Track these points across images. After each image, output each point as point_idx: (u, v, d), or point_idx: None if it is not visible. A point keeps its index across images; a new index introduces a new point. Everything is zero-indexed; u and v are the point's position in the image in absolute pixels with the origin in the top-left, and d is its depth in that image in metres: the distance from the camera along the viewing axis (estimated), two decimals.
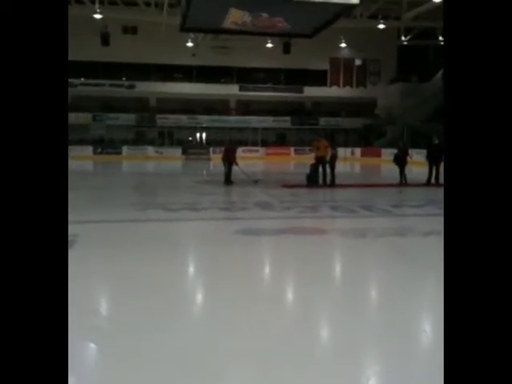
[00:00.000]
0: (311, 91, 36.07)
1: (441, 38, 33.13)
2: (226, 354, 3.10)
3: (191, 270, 5.60)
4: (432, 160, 13.91)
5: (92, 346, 3.19)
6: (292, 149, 33.58)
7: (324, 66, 35.44)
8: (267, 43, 32.33)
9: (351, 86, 36.46)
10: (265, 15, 10.67)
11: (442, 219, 6.69)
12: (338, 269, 5.66)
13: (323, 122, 35.93)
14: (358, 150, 31.96)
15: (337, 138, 32.03)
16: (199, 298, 4.52)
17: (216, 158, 15.20)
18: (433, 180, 13.80)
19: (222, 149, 15.40)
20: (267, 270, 5.57)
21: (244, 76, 36.07)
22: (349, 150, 31.16)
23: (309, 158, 14.01)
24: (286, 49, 30.45)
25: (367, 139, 34.27)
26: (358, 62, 36.48)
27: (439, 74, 34.81)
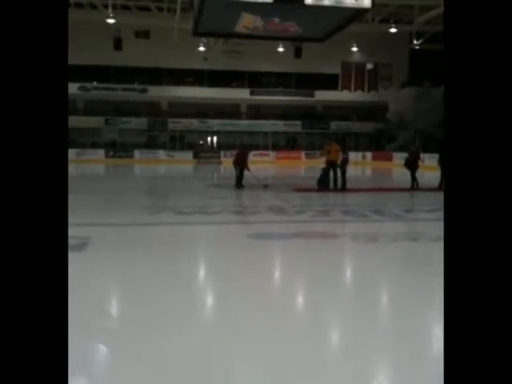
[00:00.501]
0: (322, 95, 36.03)
1: None
2: (236, 357, 3.11)
3: (203, 273, 5.60)
4: (444, 164, 13.76)
5: (101, 346, 3.21)
6: (303, 153, 33.54)
7: (335, 70, 35.37)
8: (278, 47, 32.37)
9: (363, 90, 36.33)
10: (277, 20, 10.68)
11: None
12: (349, 273, 5.63)
13: (334, 126, 35.88)
14: (369, 154, 31.84)
15: (348, 142, 31.97)
16: (211, 300, 4.53)
17: (227, 162, 15.23)
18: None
19: (234, 153, 15.37)
20: (279, 273, 5.56)
21: (255, 80, 36.13)
22: (360, 154, 31.02)
23: (319, 162, 13.99)
24: (298, 53, 30.54)
25: (378, 143, 34.16)
26: (369, 66, 36.35)
27: None
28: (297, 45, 29.46)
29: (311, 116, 36.69)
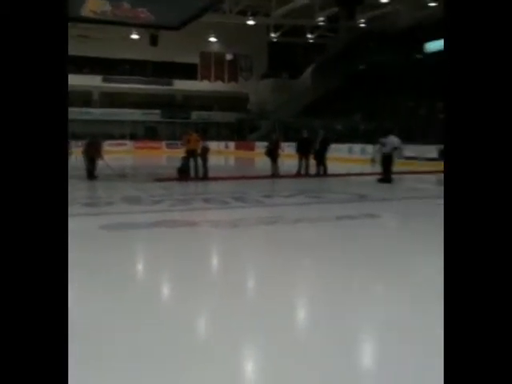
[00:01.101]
0: (181, 84, 35.52)
1: (309, 36, 34.62)
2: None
3: None
4: (302, 152, 14.32)
5: None
6: (163, 143, 32.73)
7: (194, 59, 35.11)
8: (132, 34, 31.02)
9: (222, 80, 36.61)
10: (126, 5, 10.15)
11: (310, 207, 6.76)
12: (211, 260, 5.38)
13: (195, 115, 35.59)
14: (231, 144, 32.17)
15: (210, 132, 31.88)
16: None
17: (78, 153, 14.22)
18: (303, 171, 14.20)
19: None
20: (136, 264, 5.14)
21: (108, 67, 34.34)
22: (222, 144, 31.25)
23: (181, 152, 13.68)
24: (153, 41, 29.50)
25: (240, 133, 34.65)
26: (229, 57, 36.76)
27: (308, 71, 36.38)
28: (152, 32, 28.43)
29: (171, 105, 35.96)
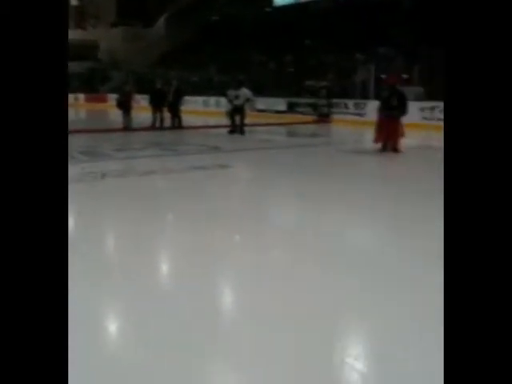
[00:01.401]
0: None
1: None
2: None
3: None
4: (155, 104, 14.02)
5: None
6: None
7: None
8: None
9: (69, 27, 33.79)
10: None
11: (163, 159, 6.75)
12: None
13: None
14: (81, 96, 30.19)
15: None
16: None
17: None
18: (157, 124, 13.99)
19: None
20: None
21: None
22: (71, 96, 29.21)
23: None
24: None
25: (91, 84, 32.59)
26: (74, 2, 34.01)
27: (161, 20, 35.10)
28: None
29: None
